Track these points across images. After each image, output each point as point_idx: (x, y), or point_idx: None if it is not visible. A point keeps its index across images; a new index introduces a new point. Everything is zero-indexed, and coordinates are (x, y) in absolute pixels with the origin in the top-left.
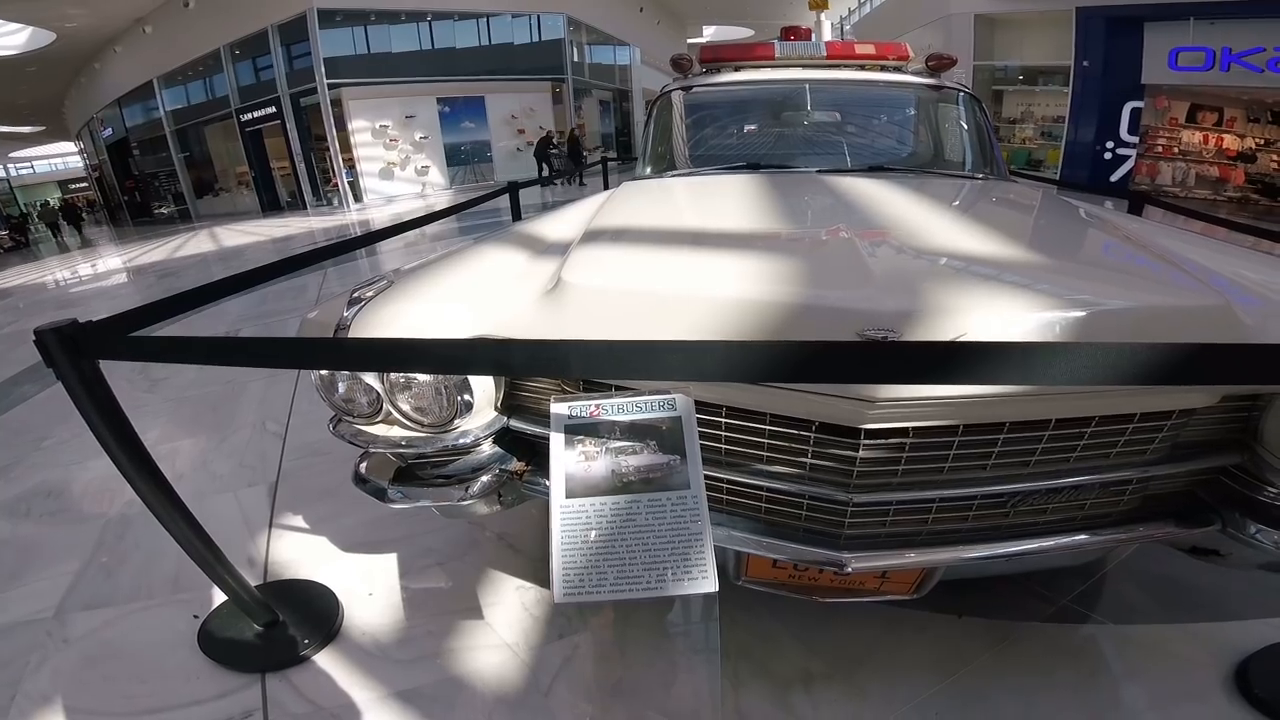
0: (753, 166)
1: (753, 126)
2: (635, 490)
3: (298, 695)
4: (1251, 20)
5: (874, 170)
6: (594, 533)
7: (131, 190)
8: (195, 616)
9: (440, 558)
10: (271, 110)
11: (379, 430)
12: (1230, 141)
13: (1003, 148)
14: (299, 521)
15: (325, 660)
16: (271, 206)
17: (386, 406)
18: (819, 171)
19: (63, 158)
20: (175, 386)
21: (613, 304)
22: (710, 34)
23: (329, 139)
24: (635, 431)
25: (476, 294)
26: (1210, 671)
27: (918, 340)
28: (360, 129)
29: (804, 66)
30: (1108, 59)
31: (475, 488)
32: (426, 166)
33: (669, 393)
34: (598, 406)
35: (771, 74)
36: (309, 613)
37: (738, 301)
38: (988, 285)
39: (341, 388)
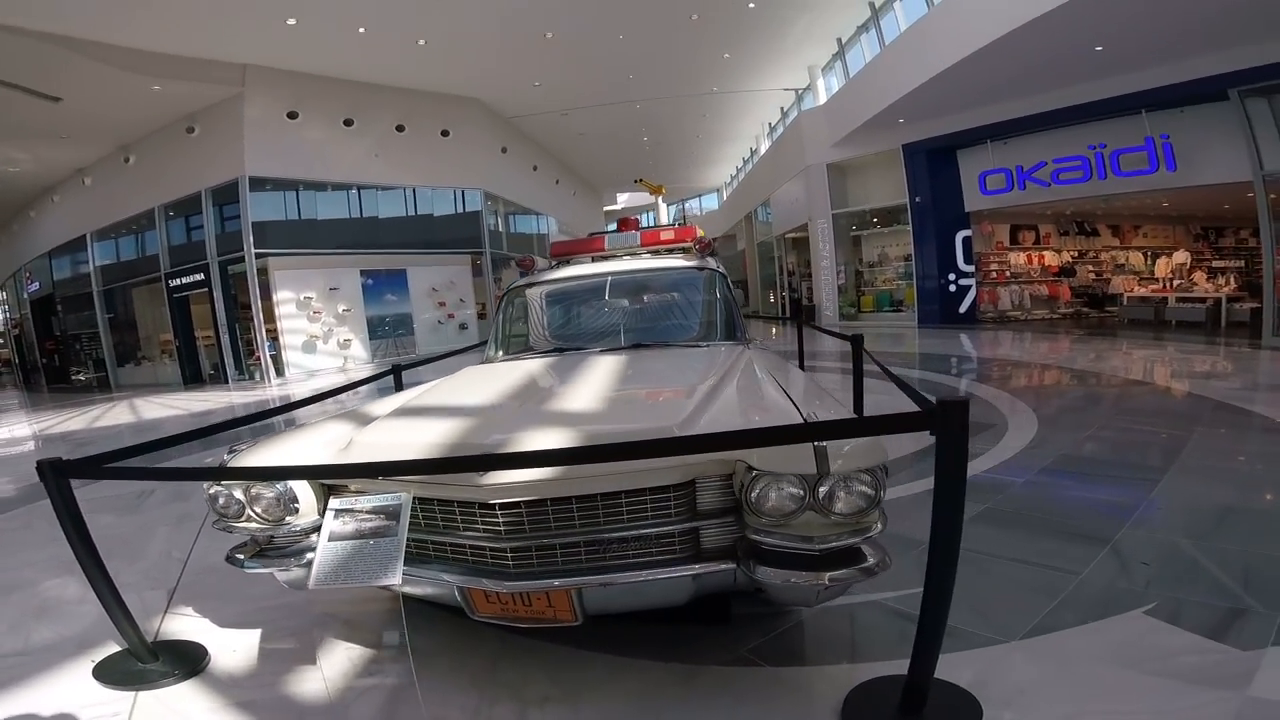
0: (557, 350)
1: (564, 317)
2: (367, 537)
3: (161, 705)
4: (1033, 134)
5: (636, 347)
6: (344, 553)
7: (51, 352)
8: (93, 661)
9: (289, 632)
10: (200, 277)
11: (242, 524)
12: (1050, 258)
13: (867, 292)
14: (190, 611)
15: (188, 687)
16: (194, 379)
17: (247, 510)
18: (601, 350)
19: None
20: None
21: (375, 453)
22: (624, 200)
23: (253, 309)
24: (376, 511)
25: (307, 446)
26: (828, 702)
27: (502, 453)
28: (285, 300)
29: (624, 254)
30: (935, 191)
31: (302, 560)
32: (349, 340)
33: (398, 492)
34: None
35: (584, 270)
36: (183, 658)
37: (435, 446)
38: (577, 423)
39: (221, 499)
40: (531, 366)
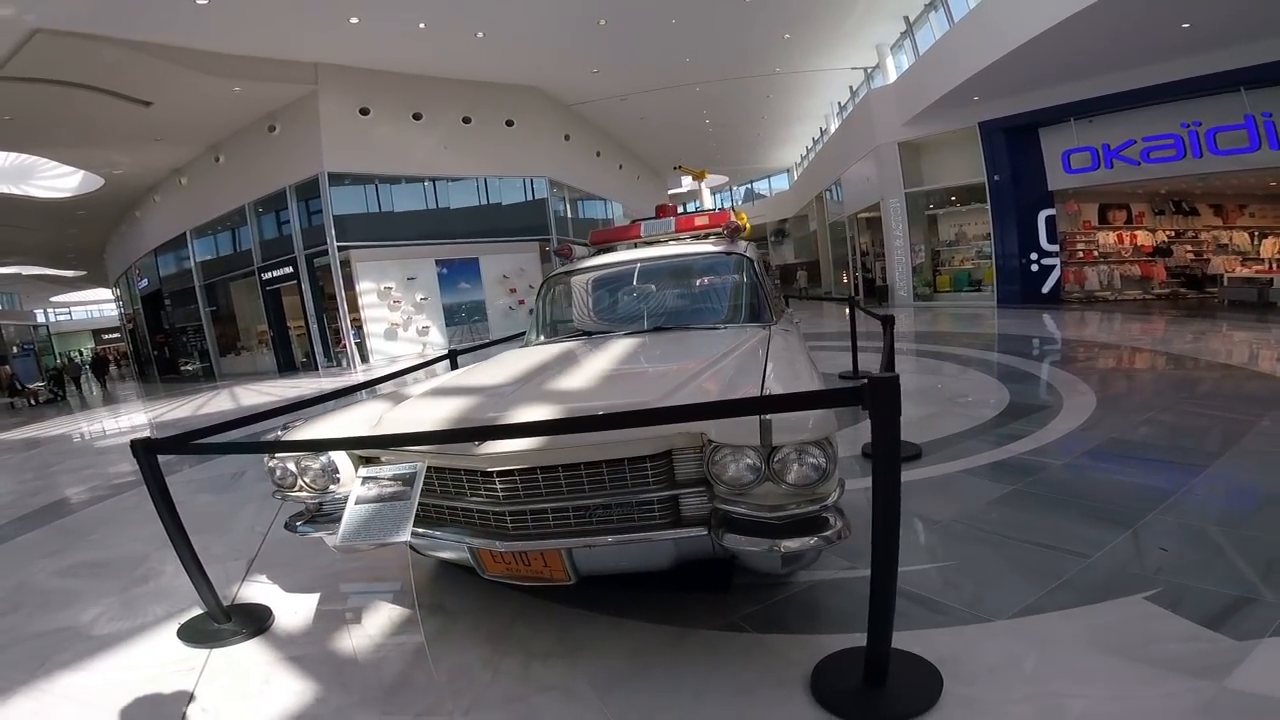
0: (586, 334)
1: (594, 302)
2: (386, 500)
3: (229, 660)
4: (1120, 113)
5: (657, 330)
6: (366, 515)
7: (162, 345)
8: (179, 622)
9: (344, 595)
10: (289, 270)
11: (295, 494)
12: (1143, 238)
13: (944, 271)
14: (264, 578)
15: (253, 645)
16: (287, 367)
17: (298, 480)
18: (625, 334)
19: (99, 305)
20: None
21: (398, 428)
22: (688, 183)
23: (338, 299)
24: (395, 479)
25: (347, 423)
26: (802, 669)
27: (488, 425)
28: (366, 290)
29: (660, 240)
30: (1015, 170)
31: None
32: (427, 327)
33: (414, 462)
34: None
35: (616, 257)
36: (251, 619)
37: (445, 420)
38: (566, 399)
39: (277, 471)
40: (556, 350)
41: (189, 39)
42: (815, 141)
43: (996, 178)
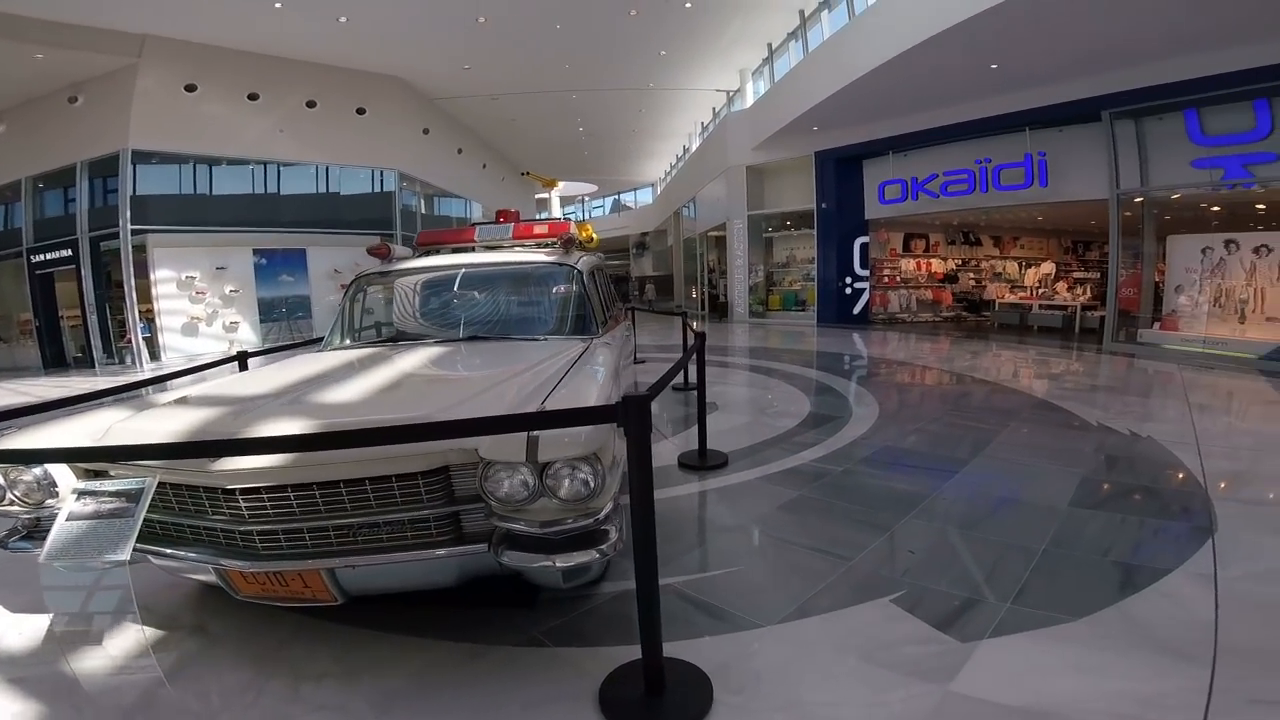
0: (392, 341)
1: (410, 307)
2: (105, 518)
3: None
4: (929, 148)
5: (472, 339)
6: (79, 532)
7: None
8: None
9: (81, 619)
10: (68, 253)
11: (4, 508)
12: (937, 265)
13: (776, 291)
14: None
15: None
16: (56, 362)
17: (8, 494)
18: (436, 342)
19: None
20: None
21: (126, 439)
22: (561, 188)
23: (126, 288)
24: (118, 494)
25: (67, 433)
26: (594, 681)
27: (219, 440)
28: (164, 279)
29: (495, 246)
30: (840, 198)
31: None
32: (236, 322)
33: (142, 476)
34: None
35: (439, 261)
36: None
37: (182, 432)
38: (329, 412)
39: None
40: (348, 356)
41: None
42: (678, 159)
43: (824, 205)
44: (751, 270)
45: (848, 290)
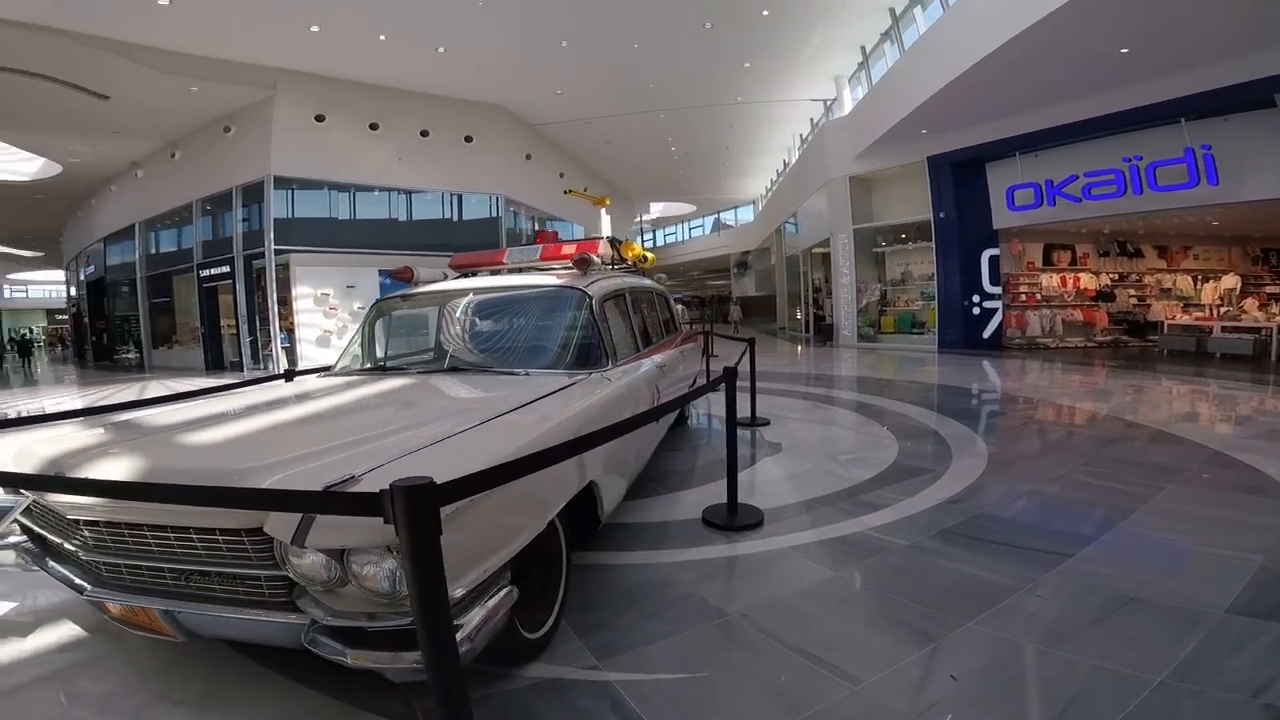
0: (379, 369)
1: (409, 334)
2: None
3: None
4: (1063, 147)
5: (453, 370)
6: None
7: (101, 331)
8: None
9: None
10: (226, 269)
11: None
12: (1087, 280)
13: (889, 312)
14: None
15: None
16: (216, 365)
17: None
18: (418, 373)
19: (56, 285)
20: None
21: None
22: (658, 210)
23: (269, 302)
24: None
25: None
26: None
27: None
28: (303, 295)
29: (521, 268)
30: (961, 207)
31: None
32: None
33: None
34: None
35: (449, 286)
36: None
37: (52, 461)
38: (171, 455)
39: None
40: (308, 387)
41: (148, 37)
42: (779, 174)
43: (942, 214)
44: (860, 289)
45: (975, 310)
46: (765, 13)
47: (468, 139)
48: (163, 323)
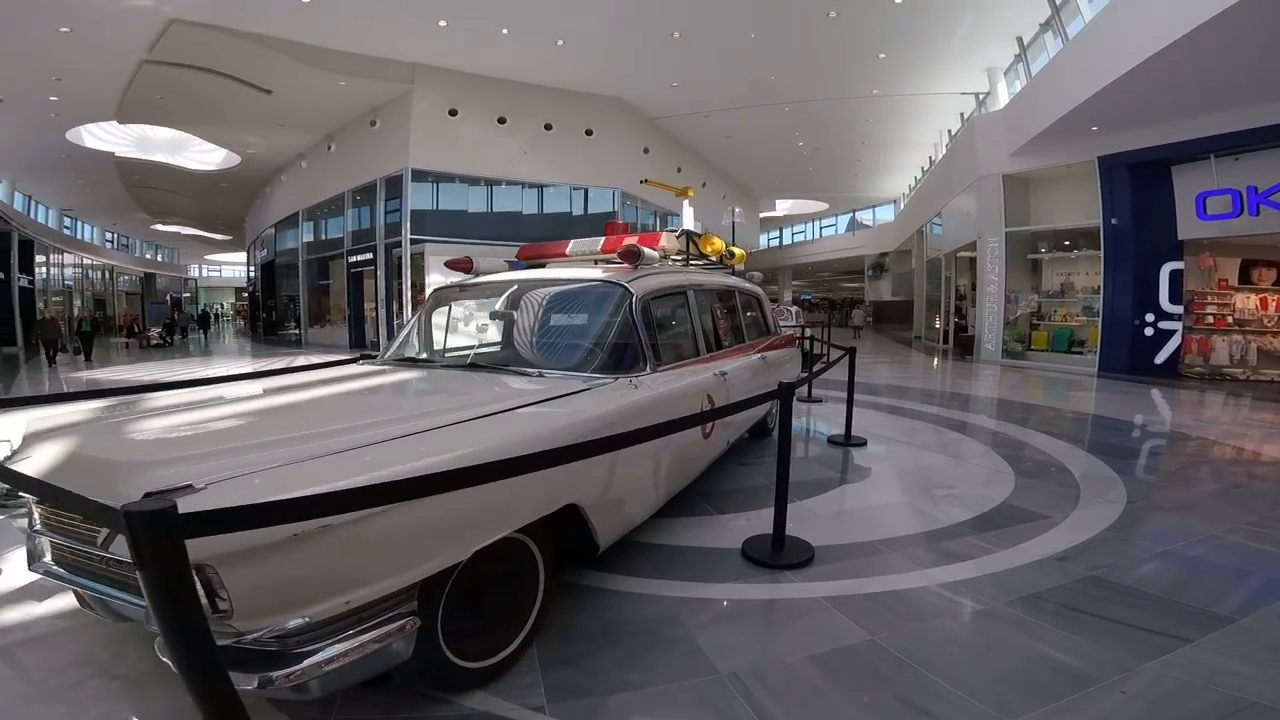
0: (411, 362)
1: (449, 327)
2: None
3: None
4: (1267, 151)
5: (472, 367)
6: None
7: (270, 309)
8: None
9: None
10: (369, 256)
11: None
12: None
13: (1042, 327)
14: None
15: None
16: (358, 344)
17: None
18: (441, 367)
19: (241, 266)
20: None
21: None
22: (786, 207)
23: (404, 287)
24: None
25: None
26: None
27: None
28: (435, 282)
29: (586, 260)
30: (1138, 213)
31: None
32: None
33: None
34: None
35: (496, 278)
36: None
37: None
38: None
39: None
40: (329, 375)
41: (298, 33)
42: (924, 171)
43: (1114, 221)
44: (1010, 299)
45: (1149, 331)
46: (898, 1)
47: (588, 132)
48: (319, 303)
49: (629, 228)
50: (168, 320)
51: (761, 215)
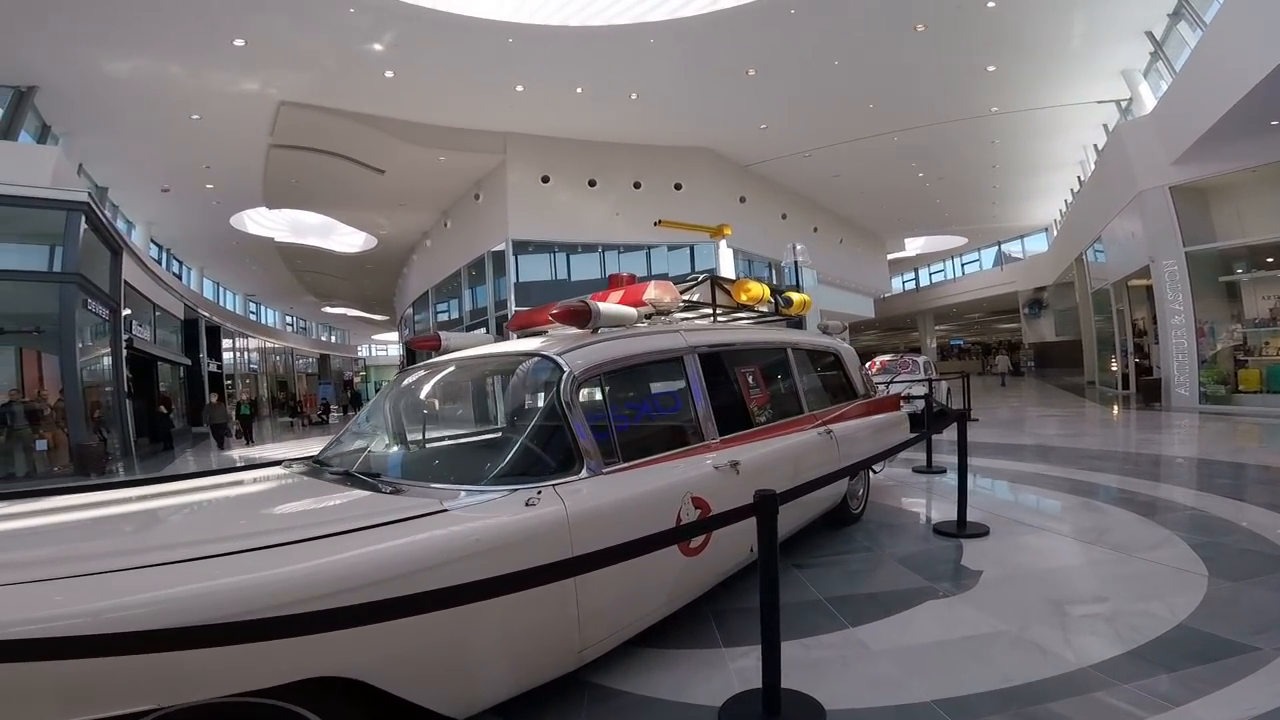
0: (317, 464)
1: (373, 419)
2: None
3: None
4: None
5: (345, 476)
6: None
7: None
8: None
9: None
10: (484, 330)
11: None
12: None
13: (1251, 364)
14: None
15: None
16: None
17: None
18: (327, 477)
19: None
20: None
21: None
22: (919, 245)
23: None
24: None
25: None
26: None
27: None
28: None
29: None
30: None
31: None
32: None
33: None
34: None
35: (444, 357)
36: None
37: None
38: None
39: None
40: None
41: (391, 109)
42: (1074, 193)
43: None
44: (1202, 331)
45: None
46: (991, 4)
47: (677, 186)
48: None
49: (634, 278)
50: (325, 401)
51: (890, 256)
